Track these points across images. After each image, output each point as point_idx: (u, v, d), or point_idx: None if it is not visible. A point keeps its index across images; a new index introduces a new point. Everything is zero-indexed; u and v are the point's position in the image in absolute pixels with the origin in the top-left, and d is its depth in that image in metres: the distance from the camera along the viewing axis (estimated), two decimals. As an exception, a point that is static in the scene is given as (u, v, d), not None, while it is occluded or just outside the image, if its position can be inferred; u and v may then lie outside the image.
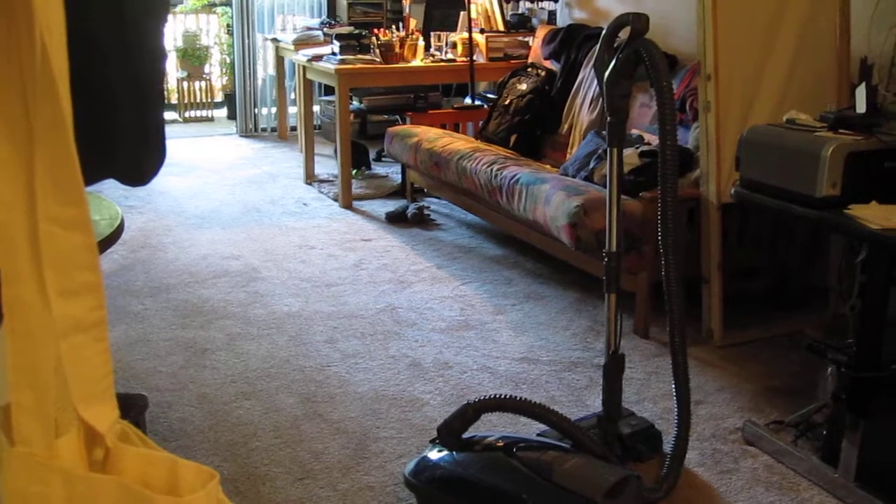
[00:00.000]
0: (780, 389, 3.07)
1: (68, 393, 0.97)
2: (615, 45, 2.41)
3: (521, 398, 2.42)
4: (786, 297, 3.75)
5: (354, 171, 6.25)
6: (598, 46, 2.45)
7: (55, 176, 0.92)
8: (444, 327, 3.61)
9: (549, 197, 3.71)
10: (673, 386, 2.46)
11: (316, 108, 7.43)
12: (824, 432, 2.59)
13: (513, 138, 5.03)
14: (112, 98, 1.10)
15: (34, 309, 0.93)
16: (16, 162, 0.90)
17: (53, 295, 0.93)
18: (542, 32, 5.47)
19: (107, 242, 2.29)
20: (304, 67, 6.11)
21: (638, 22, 2.26)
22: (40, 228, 0.92)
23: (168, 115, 8.18)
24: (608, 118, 2.44)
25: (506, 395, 2.44)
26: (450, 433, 2.40)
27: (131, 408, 2.38)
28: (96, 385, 1.01)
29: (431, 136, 5.01)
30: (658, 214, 2.38)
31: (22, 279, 0.92)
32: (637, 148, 3.89)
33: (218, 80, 8.93)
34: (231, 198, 5.67)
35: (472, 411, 2.40)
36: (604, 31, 2.39)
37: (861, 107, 2.52)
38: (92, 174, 1.02)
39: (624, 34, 2.37)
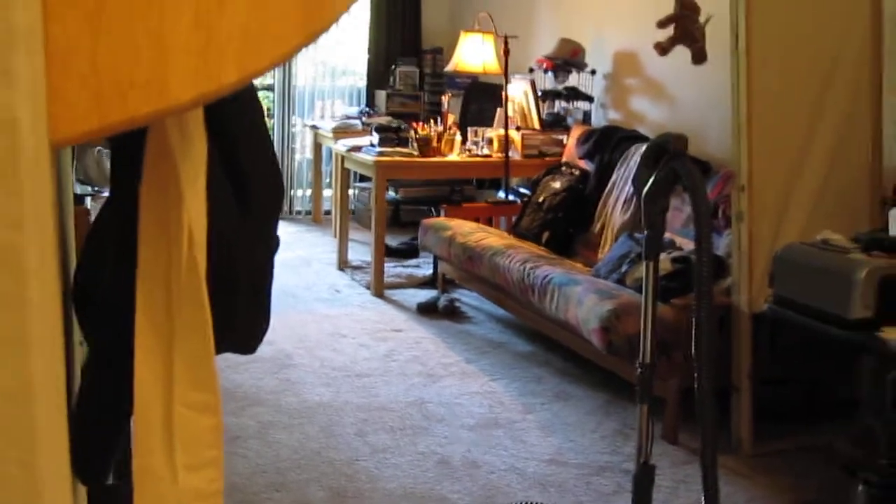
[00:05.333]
0: (810, 503, 3.06)
1: None
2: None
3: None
4: (817, 408, 3.73)
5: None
6: (632, 152, 2.52)
7: (192, 367, 1.00)
8: (473, 424, 3.63)
9: (582, 299, 3.76)
10: (702, 497, 2.46)
11: (350, 192, 7.56)
12: (855, 552, 2.57)
13: (545, 235, 5.10)
14: (235, 284, 1.18)
15: (164, 480, 1.01)
16: (157, 354, 0.99)
17: (181, 468, 1.01)
18: (576, 132, 5.58)
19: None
20: (343, 157, 6.24)
21: (677, 143, 2.33)
22: (175, 411, 1.01)
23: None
24: (645, 231, 2.50)
25: None
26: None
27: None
28: None
29: (466, 230, 5.09)
30: (691, 323, 2.41)
31: (154, 453, 1.01)
32: (669, 253, 3.94)
33: (256, 162, 9.11)
34: (265, 281, 5.75)
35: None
36: (644, 150, 2.47)
37: (894, 229, 2.58)
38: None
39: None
